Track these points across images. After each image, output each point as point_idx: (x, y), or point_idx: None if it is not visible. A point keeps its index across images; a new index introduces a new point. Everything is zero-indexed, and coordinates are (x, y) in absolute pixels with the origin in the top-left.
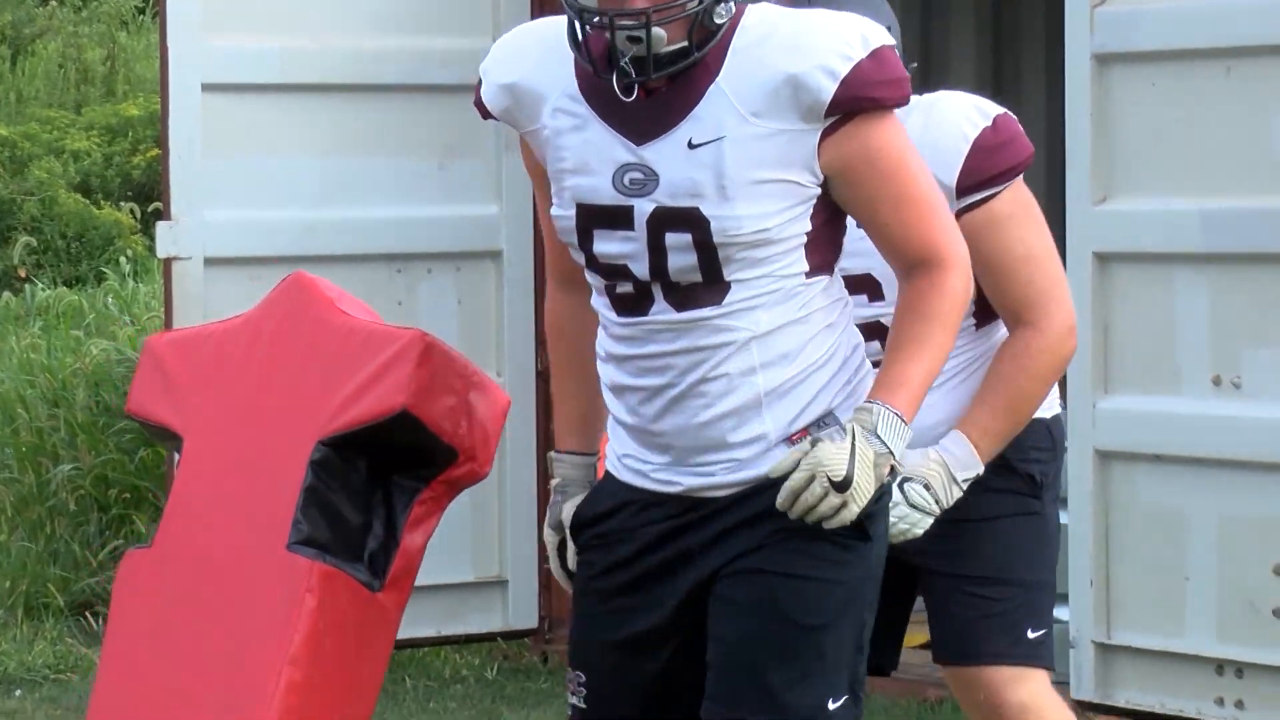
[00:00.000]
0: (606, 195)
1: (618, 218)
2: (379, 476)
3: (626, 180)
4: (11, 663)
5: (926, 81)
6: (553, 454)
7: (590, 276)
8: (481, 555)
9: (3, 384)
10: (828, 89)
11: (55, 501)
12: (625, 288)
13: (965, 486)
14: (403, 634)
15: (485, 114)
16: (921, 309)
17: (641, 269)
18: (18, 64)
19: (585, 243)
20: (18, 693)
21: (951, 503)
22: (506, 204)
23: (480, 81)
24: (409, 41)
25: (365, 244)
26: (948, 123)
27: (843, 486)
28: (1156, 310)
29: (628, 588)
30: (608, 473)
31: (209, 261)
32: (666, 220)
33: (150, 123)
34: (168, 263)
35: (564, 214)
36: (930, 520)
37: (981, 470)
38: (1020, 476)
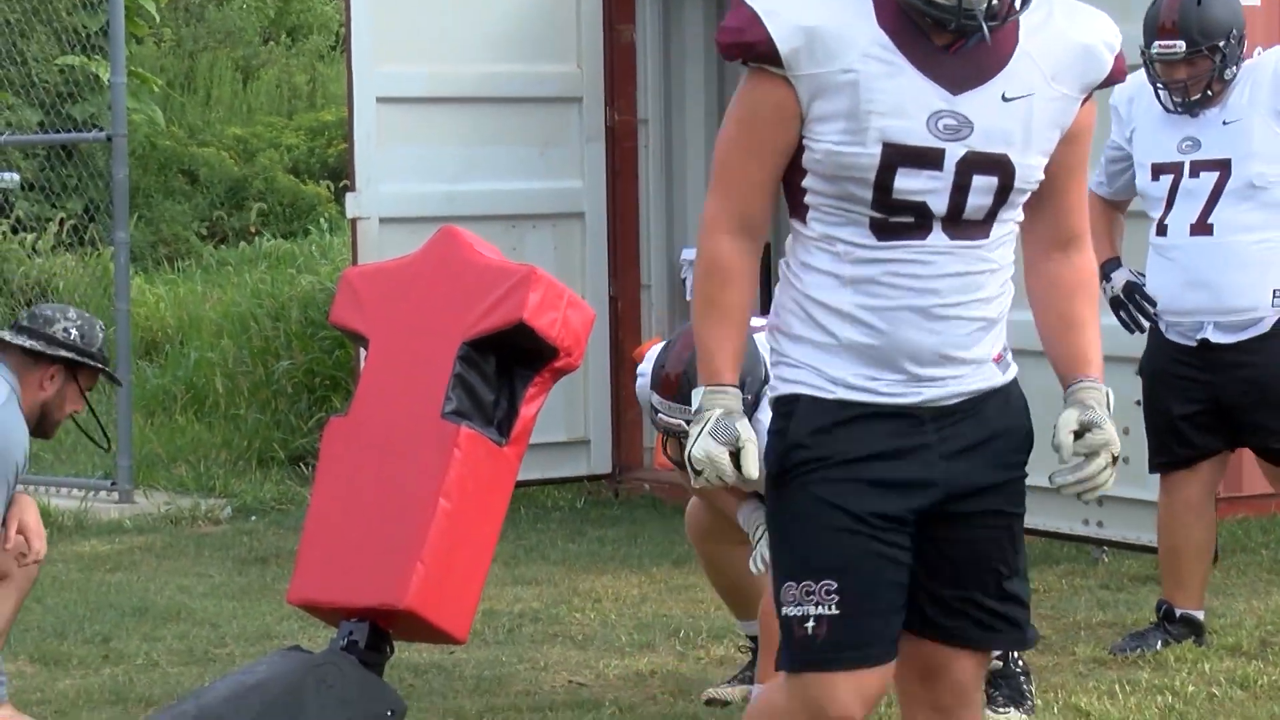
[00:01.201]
0: (918, 137)
1: (927, 158)
2: (505, 367)
3: (940, 125)
4: (249, 497)
5: None
6: (712, 388)
7: (842, 209)
8: (572, 422)
9: (240, 306)
10: (1107, 63)
11: (278, 386)
12: (904, 218)
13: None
14: (518, 477)
15: (741, 53)
16: (1090, 288)
17: (940, 205)
18: (247, 85)
19: (885, 179)
20: (253, 518)
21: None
22: (587, 179)
23: (751, 20)
24: (518, 67)
25: (490, 208)
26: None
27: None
28: None
29: (872, 495)
30: (805, 397)
31: (383, 220)
32: (976, 164)
33: (340, 125)
34: (354, 222)
35: (865, 151)
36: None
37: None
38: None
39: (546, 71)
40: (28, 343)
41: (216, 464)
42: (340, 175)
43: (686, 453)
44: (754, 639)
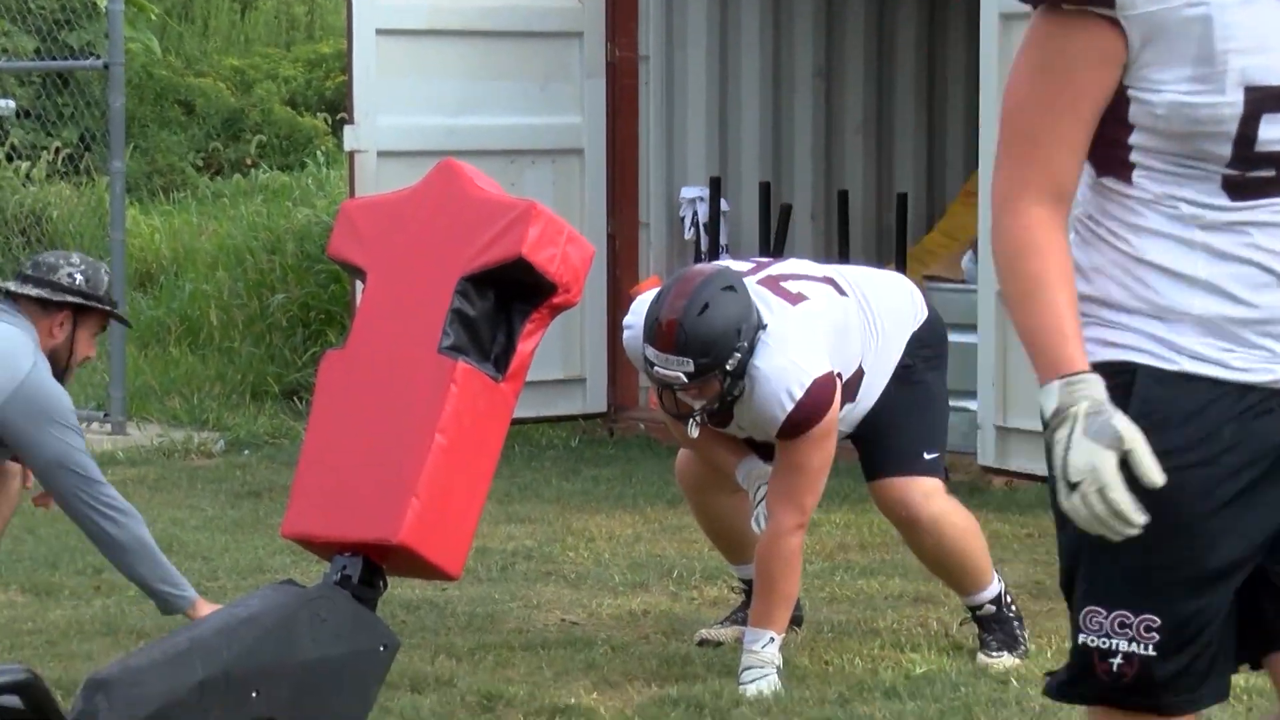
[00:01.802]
0: None
1: None
2: (503, 303)
3: None
4: (242, 431)
5: None
6: (1068, 379)
7: (1186, 166)
8: (568, 359)
9: (236, 239)
10: None
11: (272, 320)
12: (1264, 172)
13: None
14: (513, 414)
15: None
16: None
17: None
18: (245, 16)
19: (1248, 130)
20: (246, 452)
21: None
22: (587, 115)
23: None
24: (520, 0)
25: (489, 142)
26: (765, 410)
27: None
28: None
29: (1232, 502)
30: (1144, 367)
31: (381, 154)
32: None
33: (338, 57)
34: (351, 155)
35: (1224, 100)
36: None
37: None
38: (899, 368)
39: (548, 6)
40: (34, 291)
41: (210, 397)
42: (338, 108)
43: (1060, 464)
44: (747, 582)
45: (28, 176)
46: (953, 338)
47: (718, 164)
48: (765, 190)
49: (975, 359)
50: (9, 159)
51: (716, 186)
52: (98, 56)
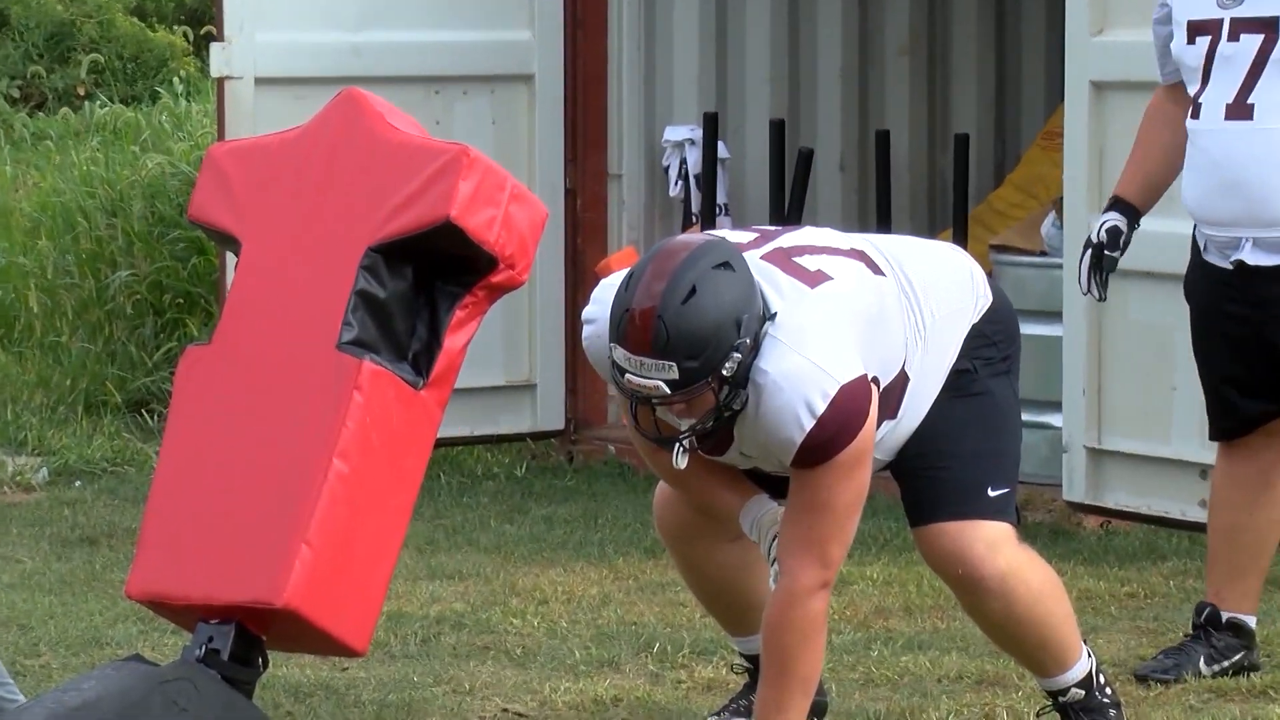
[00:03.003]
0: None
1: None
2: (424, 282)
3: None
4: (72, 456)
5: None
6: None
7: None
8: (512, 360)
9: (64, 195)
10: None
11: (113, 306)
12: None
13: None
14: (439, 432)
15: None
16: None
17: None
18: None
19: None
20: (77, 484)
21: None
22: (539, 29)
23: None
24: None
25: (405, 66)
26: (779, 426)
27: None
28: None
29: None
30: None
31: (259, 81)
32: None
33: None
34: (220, 82)
35: None
36: None
37: None
38: (954, 373)
39: None
40: None
41: (29, 410)
42: (202, 19)
43: None
44: (753, 659)
45: None
46: (1033, 329)
47: (714, 95)
48: (778, 130)
49: (1059, 359)
50: None
51: (712, 125)
52: None
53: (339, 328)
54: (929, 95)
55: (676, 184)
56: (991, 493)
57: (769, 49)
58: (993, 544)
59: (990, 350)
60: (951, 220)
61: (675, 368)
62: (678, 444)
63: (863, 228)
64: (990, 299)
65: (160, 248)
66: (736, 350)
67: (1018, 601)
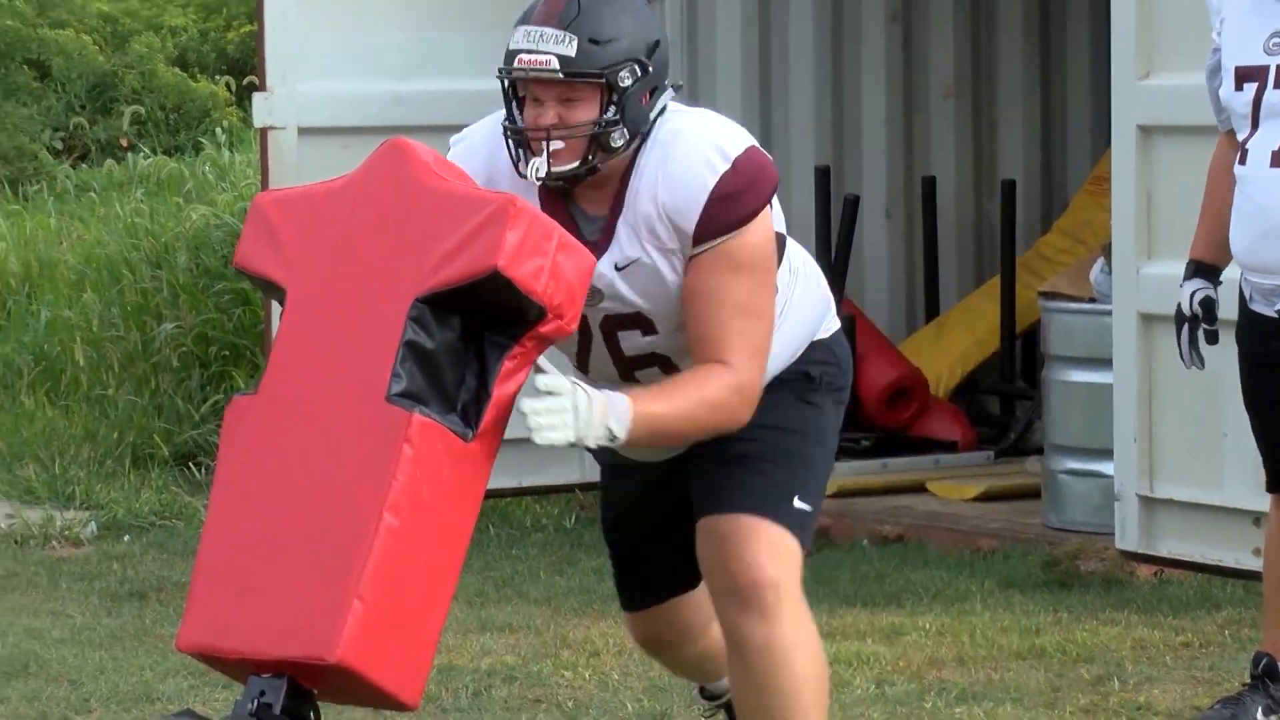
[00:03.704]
0: None
1: None
2: (472, 333)
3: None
4: (120, 510)
5: None
6: None
7: None
8: None
9: (109, 247)
10: None
11: (159, 358)
12: None
13: (606, 435)
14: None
15: None
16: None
17: None
18: None
19: None
20: (125, 538)
21: (589, 437)
22: None
23: None
24: None
25: (448, 115)
26: (687, 168)
27: None
28: (1197, 182)
29: None
30: None
31: (302, 131)
32: None
33: (243, 0)
34: (263, 132)
35: None
36: (564, 434)
37: (623, 435)
38: (798, 375)
39: None
40: None
41: (76, 463)
42: (244, 70)
43: None
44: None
45: None
46: (1084, 376)
47: (758, 142)
48: (823, 177)
49: (1109, 406)
50: None
51: None
52: None
53: (388, 379)
54: (975, 140)
55: None
56: (797, 503)
57: (813, 95)
58: (778, 554)
59: (834, 371)
60: (999, 266)
61: (575, 43)
62: (544, 147)
63: (909, 275)
64: (837, 326)
65: (205, 300)
66: (638, 68)
67: (782, 632)
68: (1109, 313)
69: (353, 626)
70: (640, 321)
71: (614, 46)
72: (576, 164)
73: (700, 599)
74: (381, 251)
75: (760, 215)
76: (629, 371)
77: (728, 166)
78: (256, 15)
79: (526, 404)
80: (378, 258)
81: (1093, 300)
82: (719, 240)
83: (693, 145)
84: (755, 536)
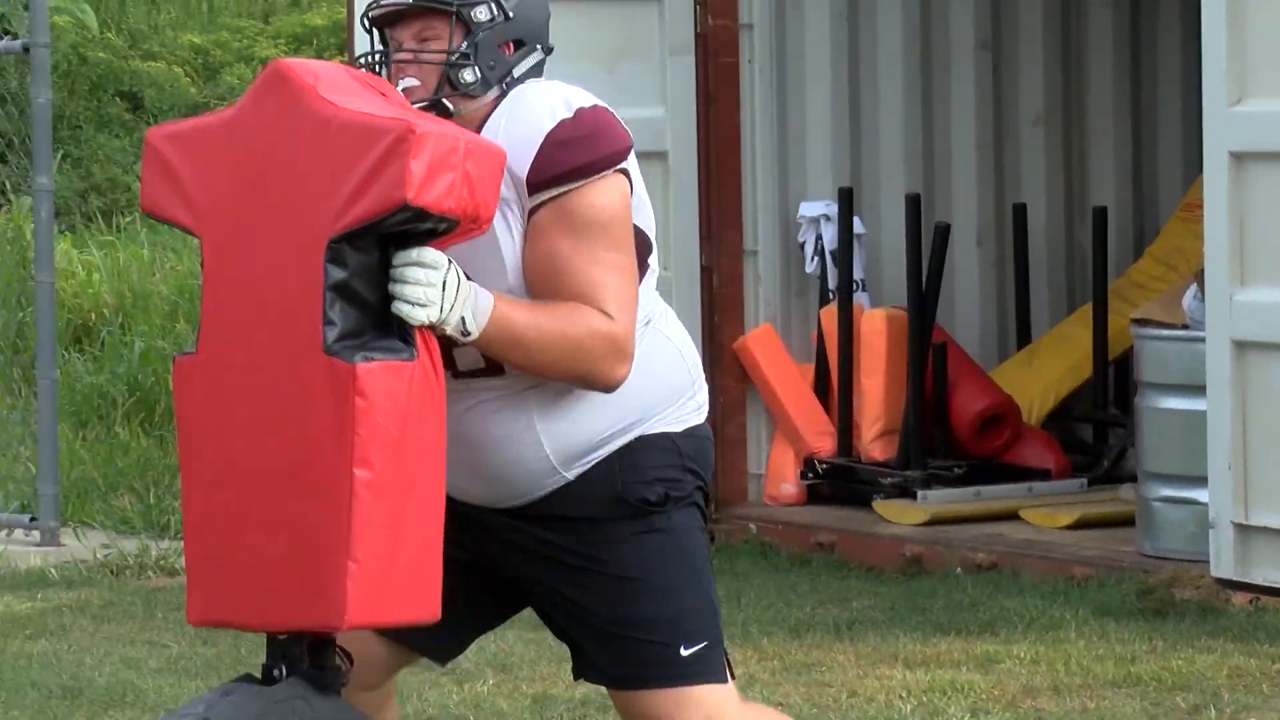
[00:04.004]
0: None
1: None
2: (389, 242)
3: None
4: None
5: None
6: None
7: None
8: None
9: (201, 277)
10: None
11: None
12: None
13: (459, 326)
14: None
15: None
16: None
17: None
18: None
19: None
20: None
21: (448, 322)
22: (672, 106)
23: None
24: None
25: None
26: (529, 115)
27: None
28: None
29: None
30: None
31: None
32: None
33: (335, 31)
34: None
35: None
36: (427, 310)
37: (475, 331)
38: (635, 504)
39: None
40: None
41: (171, 493)
42: None
43: None
44: None
45: None
46: (1176, 403)
47: (848, 170)
48: (914, 205)
49: (1204, 433)
50: None
51: (848, 201)
52: (14, 36)
53: (321, 328)
54: (1066, 167)
55: (812, 260)
56: (684, 652)
57: (903, 123)
58: (694, 712)
59: (677, 482)
60: (1090, 294)
61: None
62: (396, 81)
63: (1000, 302)
64: (700, 421)
65: None
66: (495, 8)
67: None
68: (1202, 339)
69: (354, 590)
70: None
71: None
72: (427, 98)
73: (390, 684)
74: (285, 190)
75: (604, 178)
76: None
77: (569, 114)
78: (347, 46)
79: (400, 265)
80: (283, 198)
81: (1186, 327)
82: (555, 191)
83: (540, 96)
84: (672, 711)
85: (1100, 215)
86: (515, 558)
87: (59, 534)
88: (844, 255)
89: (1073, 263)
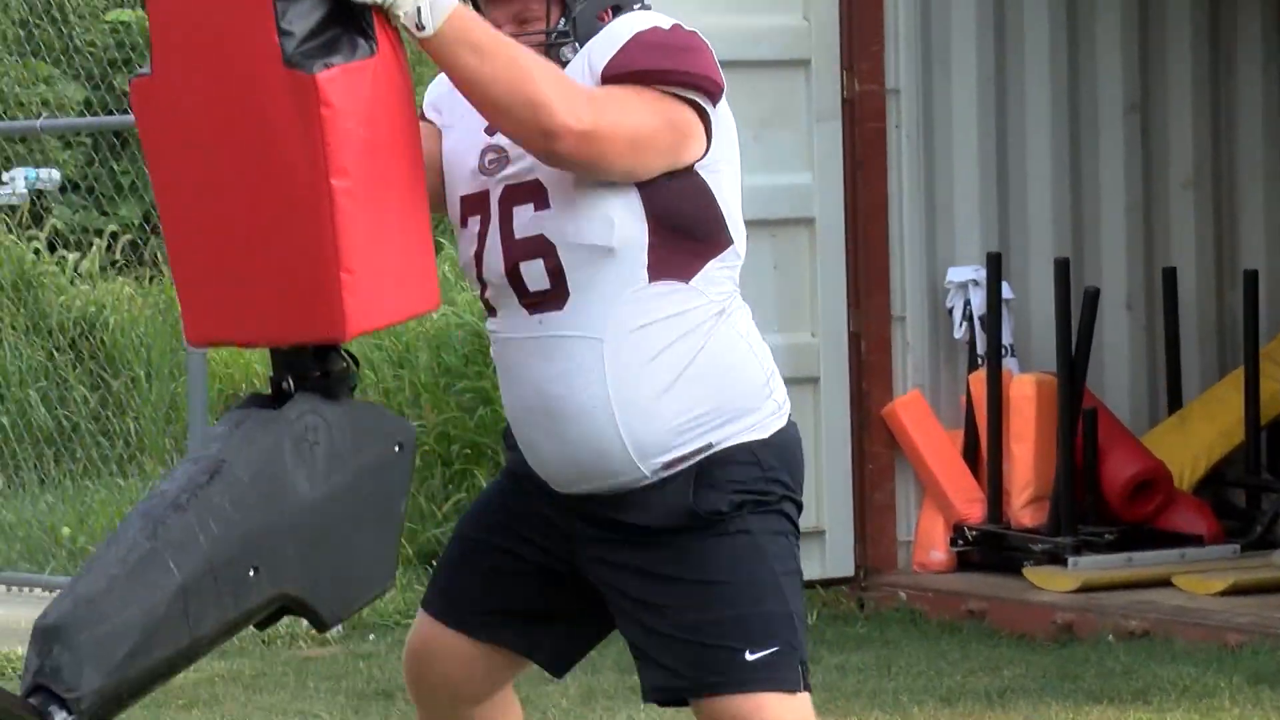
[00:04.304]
0: None
1: None
2: None
3: None
4: (367, 609)
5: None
6: None
7: None
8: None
9: (351, 346)
10: None
11: None
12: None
13: (414, 13)
14: None
15: None
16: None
17: None
18: None
19: None
20: (371, 637)
21: (400, 3)
22: (819, 172)
23: None
24: (727, 19)
25: None
26: (626, 21)
27: None
28: None
29: None
30: None
31: None
32: None
33: None
34: None
35: None
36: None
37: (430, 26)
38: (709, 514)
39: (761, 25)
40: None
41: None
42: None
43: None
44: None
45: (76, 271)
46: None
47: (997, 235)
48: (1063, 269)
49: None
50: (51, 248)
51: (996, 266)
52: None
53: (277, 39)
54: (1216, 230)
55: (961, 326)
56: (750, 656)
57: (1051, 187)
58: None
59: (758, 484)
60: (1242, 358)
61: None
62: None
63: (1151, 366)
64: (781, 425)
65: (447, 399)
66: None
67: None
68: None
69: (350, 300)
70: (536, 192)
71: None
72: (544, 35)
73: (505, 691)
74: None
75: (678, 98)
76: (515, 264)
77: (663, 26)
78: None
79: None
80: None
81: None
82: (626, 78)
83: (644, 14)
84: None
85: (1251, 278)
86: (598, 569)
87: None
88: (993, 320)
89: (1223, 326)
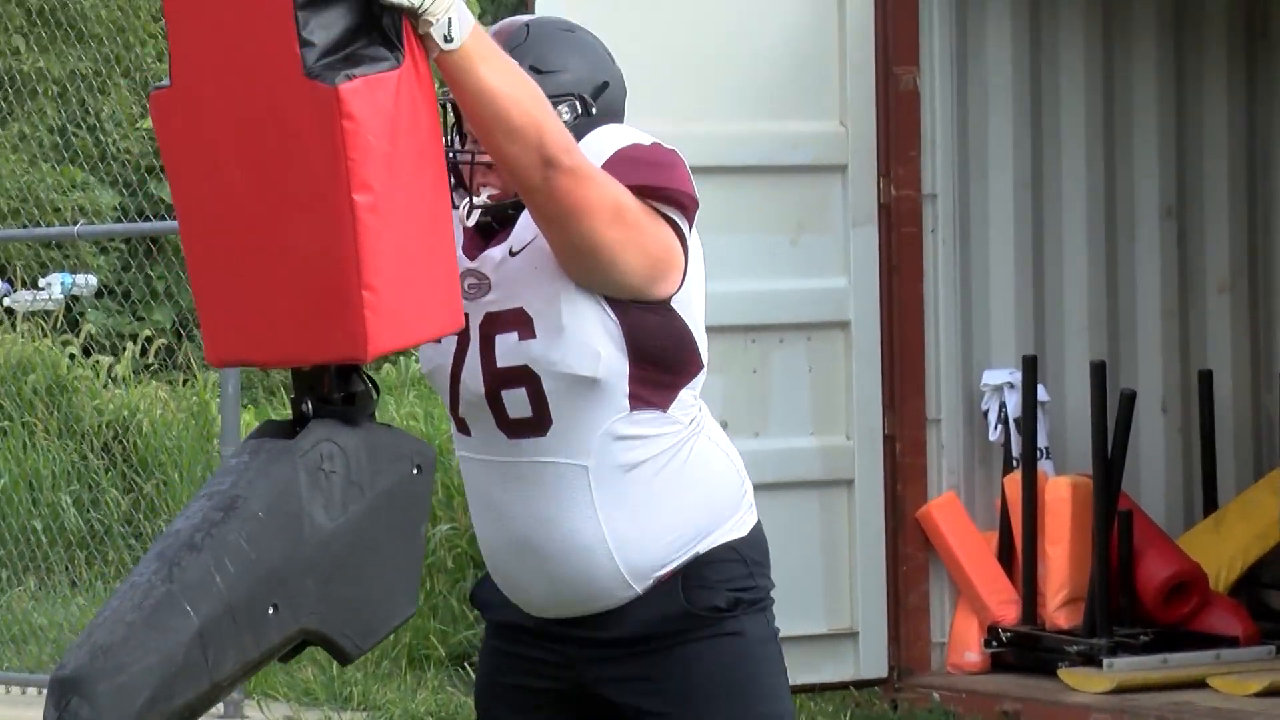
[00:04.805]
0: None
1: None
2: None
3: None
4: (397, 711)
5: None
6: None
7: None
8: (834, 608)
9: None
10: None
11: (434, 559)
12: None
13: (444, 23)
14: None
15: None
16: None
17: None
18: None
19: None
20: None
21: (435, 11)
22: (855, 277)
23: None
24: (764, 125)
25: (722, 316)
26: (604, 137)
27: None
28: None
29: None
30: None
31: None
32: None
33: None
34: None
35: None
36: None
37: (458, 36)
38: (704, 611)
39: (798, 132)
40: None
41: (353, 666)
42: None
43: None
44: None
45: (110, 375)
46: None
47: (1032, 338)
48: (1099, 372)
49: None
50: (86, 353)
51: (1032, 369)
52: None
53: (298, 48)
54: (1252, 333)
55: (996, 428)
56: None
57: (1087, 290)
58: None
59: (744, 581)
60: (1278, 460)
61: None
62: (471, 171)
63: (1186, 470)
64: (754, 521)
65: None
66: (579, 105)
67: None
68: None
69: (373, 319)
70: (520, 320)
71: (556, 79)
72: (507, 202)
73: None
74: None
75: (659, 213)
76: (496, 390)
77: (644, 142)
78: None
79: None
80: None
81: None
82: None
83: (618, 129)
84: None
85: None
86: (605, 688)
87: (243, 706)
88: (1028, 423)
89: (1259, 429)
